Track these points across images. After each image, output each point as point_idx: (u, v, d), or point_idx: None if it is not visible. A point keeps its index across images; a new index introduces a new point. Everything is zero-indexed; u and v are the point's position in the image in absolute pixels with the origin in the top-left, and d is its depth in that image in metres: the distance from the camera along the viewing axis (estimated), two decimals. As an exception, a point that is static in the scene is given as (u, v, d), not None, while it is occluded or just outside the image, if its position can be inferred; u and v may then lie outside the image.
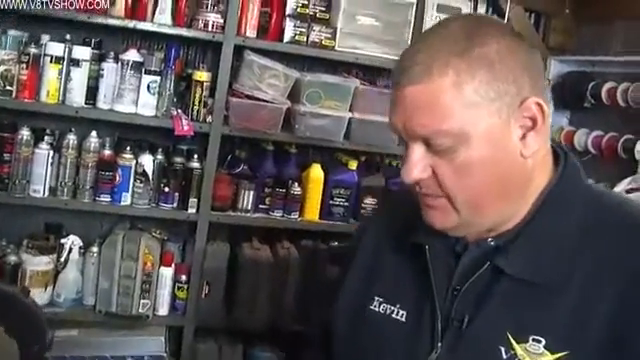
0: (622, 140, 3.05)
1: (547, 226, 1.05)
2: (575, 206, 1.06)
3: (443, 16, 3.05)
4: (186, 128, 2.80)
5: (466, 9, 3.10)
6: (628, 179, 2.93)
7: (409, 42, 3.05)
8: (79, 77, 2.75)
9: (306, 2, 2.96)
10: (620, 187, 2.93)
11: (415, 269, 1.14)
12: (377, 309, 1.17)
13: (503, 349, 1.00)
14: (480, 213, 1.04)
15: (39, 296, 2.68)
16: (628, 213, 1.07)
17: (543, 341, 0.98)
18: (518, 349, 0.99)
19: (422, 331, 1.09)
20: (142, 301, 2.86)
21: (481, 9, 3.20)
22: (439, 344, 1.06)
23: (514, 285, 1.02)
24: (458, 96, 0.97)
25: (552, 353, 0.97)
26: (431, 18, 3.05)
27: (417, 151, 1.03)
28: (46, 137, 2.79)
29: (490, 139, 0.99)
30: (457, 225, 1.06)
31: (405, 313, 1.13)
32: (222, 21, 2.84)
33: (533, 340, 0.98)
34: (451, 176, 1.01)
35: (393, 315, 1.15)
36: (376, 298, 1.18)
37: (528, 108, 1.01)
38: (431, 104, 0.98)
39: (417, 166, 1.03)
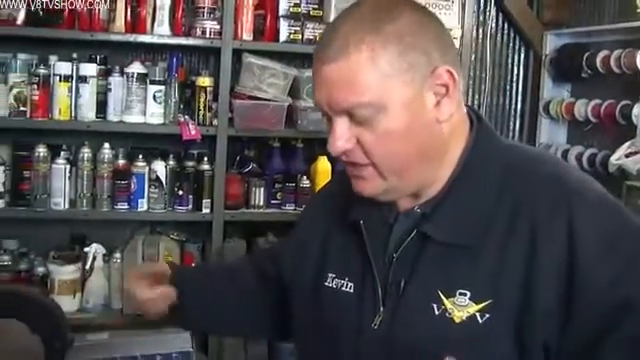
0: (620, 106, 3.09)
1: (466, 191, 1.14)
2: (491, 168, 1.14)
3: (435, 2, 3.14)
4: (193, 133, 2.93)
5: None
6: (627, 143, 2.98)
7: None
8: (88, 93, 2.89)
9: (298, 1, 3.06)
10: (620, 152, 2.98)
11: (357, 243, 1.22)
12: (330, 284, 1.25)
13: (435, 306, 1.09)
14: (403, 177, 1.13)
15: (68, 303, 2.85)
16: (540, 165, 1.15)
17: (468, 294, 1.07)
18: (447, 304, 1.08)
19: (366, 299, 1.18)
20: (167, 301, 2.98)
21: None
22: (381, 308, 1.15)
23: (440, 248, 1.11)
24: (374, 70, 1.05)
25: (477, 303, 1.06)
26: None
27: (341, 124, 1.10)
28: (62, 152, 2.94)
29: (406, 107, 1.07)
30: (384, 190, 1.14)
31: (352, 285, 1.21)
32: (219, 27, 2.96)
33: (459, 294, 1.08)
34: (374, 144, 1.09)
35: (343, 288, 1.22)
36: (329, 275, 1.26)
37: (439, 76, 1.09)
38: (350, 79, 1.06)
39: (342, 138, 1.10)
